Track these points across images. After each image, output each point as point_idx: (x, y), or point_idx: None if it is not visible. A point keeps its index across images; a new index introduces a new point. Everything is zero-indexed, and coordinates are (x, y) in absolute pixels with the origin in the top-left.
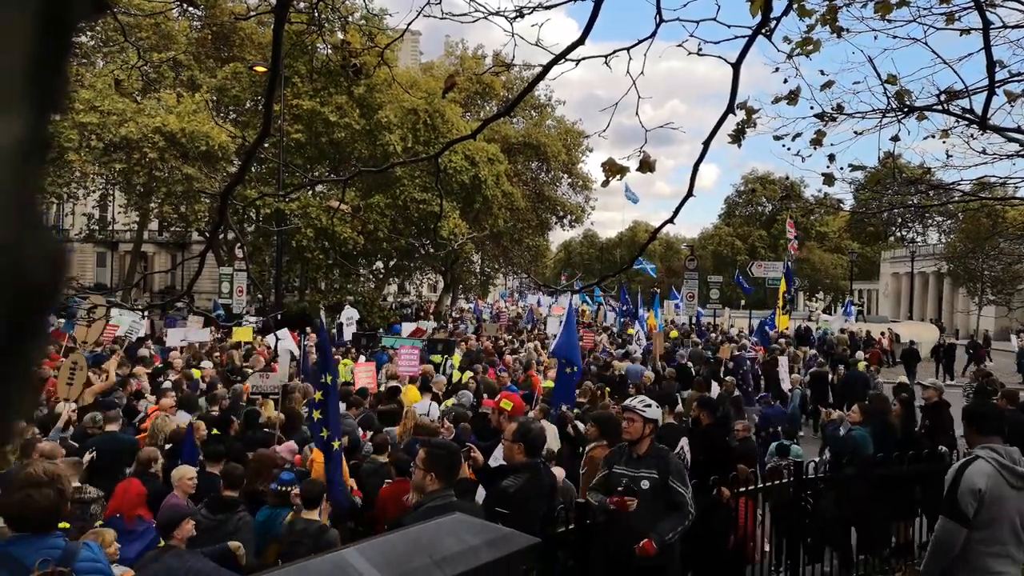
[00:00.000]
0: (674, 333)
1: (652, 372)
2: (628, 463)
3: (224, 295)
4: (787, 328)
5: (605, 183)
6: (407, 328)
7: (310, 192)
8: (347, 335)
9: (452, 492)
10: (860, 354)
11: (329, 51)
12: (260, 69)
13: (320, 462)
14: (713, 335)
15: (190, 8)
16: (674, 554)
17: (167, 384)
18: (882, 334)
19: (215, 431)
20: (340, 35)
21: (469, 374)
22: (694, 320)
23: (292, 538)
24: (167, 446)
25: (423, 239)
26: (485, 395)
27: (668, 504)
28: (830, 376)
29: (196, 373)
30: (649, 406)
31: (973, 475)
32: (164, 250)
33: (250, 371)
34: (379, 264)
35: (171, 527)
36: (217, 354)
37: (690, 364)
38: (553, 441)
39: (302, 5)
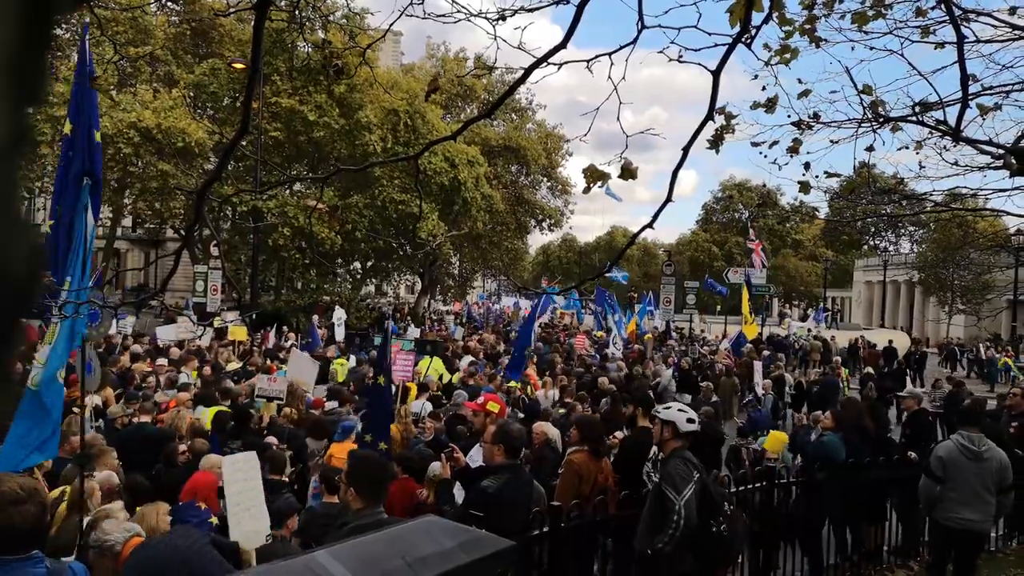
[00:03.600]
0: (648, 337)
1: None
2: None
3: (198, 293)
4: (756, 335)
5: (586, 190)
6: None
7: (288, 191)
8: (339, 335)
9: (380, 510)
10: (837, 360)
11: (310, 49)
12: (239, 66)
13: (338, 456)
14: (674, 340)
15: (168, 3)
16: (659, 563)
17: (183, 378)
18: (854, 341)
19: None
20: (321, 34)
21: (459, 375)
22: (667, 324)
23: (320, 521)
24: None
25: (401, 240)
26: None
27: (663, 510)
28: (793, 381)
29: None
30: (668, 408)
31: (938, 449)
32: (137, 247)
33: (251, 370)
34: (356, 264)
35: (284, 518)
36: (211, 354)
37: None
38: None
39: (283, 3)
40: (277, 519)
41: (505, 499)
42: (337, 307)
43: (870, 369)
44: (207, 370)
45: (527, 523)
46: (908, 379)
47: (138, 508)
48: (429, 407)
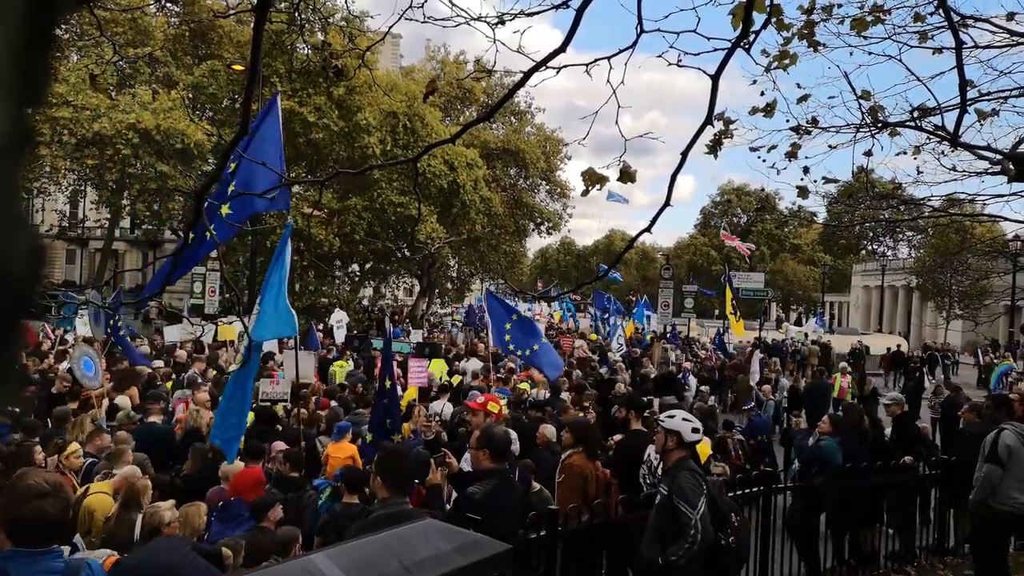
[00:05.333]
0: (653, 339)
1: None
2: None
3: (196, 295)
4: (743, 336)
5: (585, 193)
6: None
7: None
8: (339, 337)
9: (405, 500)
10: (843, 366)
11: (309, 51)
12: (238, 67)
13: (335, 456)
14: (673, 344)
15: (168, 4)
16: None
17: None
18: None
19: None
20: (320, 36)
21: (458, 377)
22: (667, 328)
23: (338, 521)
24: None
25: (400, 242)
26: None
27: (677, 524)
28: (789, 386)
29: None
30: (672, 417)
31: (1006, 437)
32: (135, 248)
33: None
34: (355, 267)
35: (264, 510)
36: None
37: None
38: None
39: (282, 4)
40: (258, 512)
41: (492, 505)
42: (338, 309)
43: (848, 366)
44: (206, 370)
45: (519, 528)
46: (927, 380)
47: (180, 509)
48: (450, 408)
